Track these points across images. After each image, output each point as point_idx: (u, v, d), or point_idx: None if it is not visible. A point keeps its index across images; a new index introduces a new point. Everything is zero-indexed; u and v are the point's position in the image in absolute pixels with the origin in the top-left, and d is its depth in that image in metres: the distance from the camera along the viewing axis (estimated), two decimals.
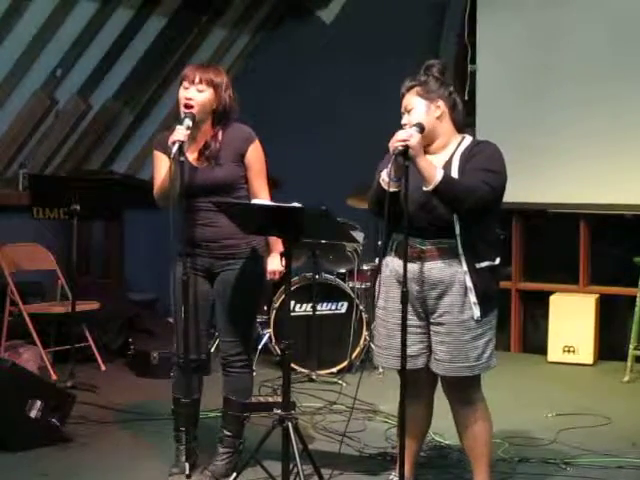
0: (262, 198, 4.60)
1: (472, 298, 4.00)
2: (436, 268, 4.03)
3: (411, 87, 4.13)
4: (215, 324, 4.76)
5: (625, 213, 7.52)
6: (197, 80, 4.48)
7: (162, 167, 4.57)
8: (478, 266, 4.00)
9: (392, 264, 4.16)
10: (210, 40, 8.85)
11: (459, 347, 4.03)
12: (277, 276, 4.75)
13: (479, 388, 4.20)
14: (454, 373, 4.08)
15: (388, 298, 4.17)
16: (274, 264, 4.72)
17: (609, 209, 7.52)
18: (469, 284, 3.99)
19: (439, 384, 4.28)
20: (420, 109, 4.09)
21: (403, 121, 4.12)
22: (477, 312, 4.01)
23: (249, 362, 4.74)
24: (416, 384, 4.19)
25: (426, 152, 4.03)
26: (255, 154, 4.63)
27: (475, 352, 4.05)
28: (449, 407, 4.28)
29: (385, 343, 4.20)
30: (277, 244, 4.70)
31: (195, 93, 4.48)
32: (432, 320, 4.09)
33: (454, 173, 4.00)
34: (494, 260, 4.07)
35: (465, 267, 3.98)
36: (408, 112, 4.11)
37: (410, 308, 4.08)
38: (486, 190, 3.93)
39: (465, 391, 4.15)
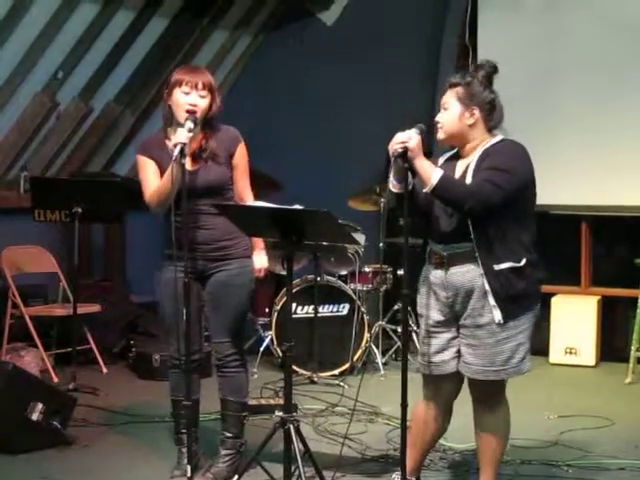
0: (247, 197, 4.70)
1: (491, 301, 3.98)
2: (457, 273, 4.03)
3: (454, 85, 4.08)
4: (207, 325, 4.77)
5: (626, 215, 7.52)
6: (200, 86, 4.48)
7: (150, 172, 4.57)
8: (497, 268, 3.96)
9: (428, 271, 4.19)
10: (211, 42, 8.86)
11: (483, 350, 4.03)
12: (263, 273, 4.80)
13: (503, 393, 4.19)
14: (480, 376, 4.07)
15: (420, 305, 4.21)
16: (261, 261, 4.76)
17: (610, 210, 7.52)
18: (487, 287, 3.97)
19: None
20: (454, 113, 4.05)
21: (436, 118, 4.11)
22: (498, 315, 3.97)
23: (244, 361, 4.75)
24: (441, 389, 4.21)
25: (462, 153, 4.08)
26: (242, 154, 4.68)
27: (501, 356, 4.03)
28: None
29: (421, 349, 4.23)
30: (259, 241, 4.77)
31: (198, 99, 4.48)
32: (460, 323, 4.09)
33: (469, 173, 4.00)
34: (518, 261, 4.00)
35: (482, 270, 3.97)
36: (444, 109, 4.08)
37: (440, 314, 4.12)
38: (490, 189, 3.90)
39: (489, 395, 4.15)
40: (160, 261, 4.66)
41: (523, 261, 4.02)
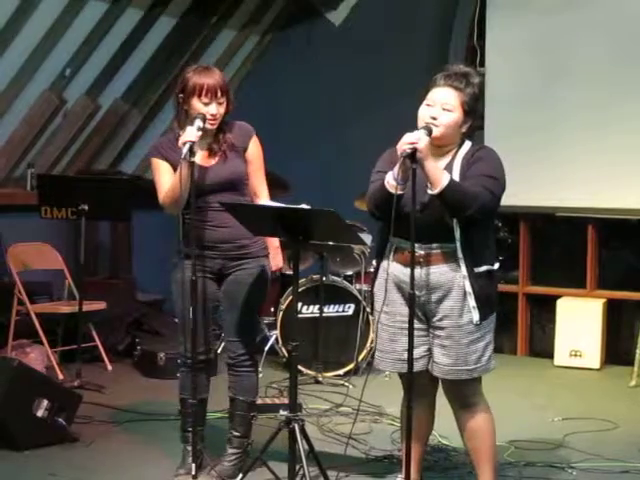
0: (262, 193, 4.68)
1: (471, 302, 4.01)
2: (436, 272, 4.04)
3: (458, 89, 4.04)
4: (221, 324, 4.77)
5: (633, 218, 7.51)
6: (219, 94, 4.46)
7: (164, 174, 4.56)
8: (477, 270, 4.01)
9: (390, 268, 4.15)
10: (219, 41, 8.87)
11: (458, 351, 4.04)
12: (279, 272, 4.85)
13: (480, 391, 4.19)
14: (453, 376, 4.09)
15: (389, 302, 4.17)
16: (276, 262, 4.77)
17: (617, 213, 7.51)
18: (468, 289, 4.00)
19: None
20: (455, 119, 4.03)
21: (432, 113, 4.03)
22: (476, 316, 4.02)
23: (255, 361, 4.75)
24: (418, 386, 4.18)
25: (435, 152, 4.05)
26: (255, 148, 4.67)
27: (474, 355, 4.06)
28: None
29: (388, 347, 4.20)
30: (274, 240, 4.76)
31: (217, 107, 4.47)
32: (432, 324, 4.10)
33: (455, 177, 4.01)
34: (493, 264, 4.09)
35: (464, 271, 4.00)
36: (444, 109, 4.03)
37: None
38: (488, 197, 3.96)
39: (465, 394, 4.15)
40: (173, 259, 4.65)
41: (497, 264, 4.12)
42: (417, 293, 4.04)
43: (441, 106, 4.04)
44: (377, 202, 4.14)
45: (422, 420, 4.30)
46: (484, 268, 4.03)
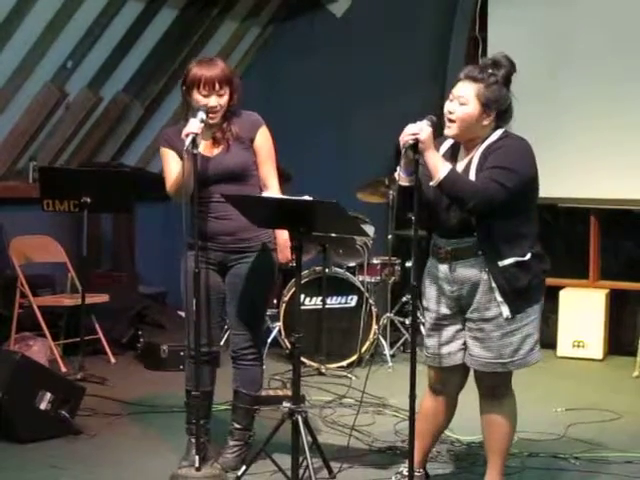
0: (271, 183, 4.64)
1: (498, 297, 3.98)
2: (463, 267, 4.03)
3: (475, 80, 3.97)
4: (226, 317, 4.76)
5: (635, 208, 7.51)
6: (217, 86, 4.46)
7: (171, 162, 4.57)
8: (501, 264, 3.96)
9: (430, 265, 4.20)
10: (220, 33, 8.85)
11: (491, 344, 4.03)
12: (288, 264, 4.82)
13: (509, 385, 4.20)
14: (487, 368, 4.08)
15: (426, 298, 4.21)
16: (286, 253, 4.74)
17: (619, 204, 7.51)
18: (492, 284, 3.98)
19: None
20: (472, 113, 3.97)
21: (450, 108, 3.99)
22: (506, 311, 3.99)
23: (260, 355, 4.75)
24: (447, 381, 4.22)
25: (465, 146, 4.07)
26: (264, 138, 4.63)
27: (508, 349, 4.03)
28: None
29: (427, 341, 4.23)
30: (282, 233, 4.72)
31: (217, 99, 4.47)
32: (467, 316, 4.10)
33: (472, 168, 3.99)
34: (523, 255, 4.00)
35: (486, 266, 3.98)
36: (460, 103, 3.98)
37: (446, 308, 4.13)
38: (495, 188, 3.88)
39: (496, 387, 4.15)
40: (182, 250, 4.64)
41: (528, 255, 4.02)
42: (449, 288, 4.08)
43: (458, 100, 4.00)
44: (399, 202, 4.13)
45: (441, 414, 4.32)
46: (510, 261, 3.97)
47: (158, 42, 8.30)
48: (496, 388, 4.16)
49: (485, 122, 4.01)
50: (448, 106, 4.02)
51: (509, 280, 3.97)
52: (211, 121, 4.47)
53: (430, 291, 4.19)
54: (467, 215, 3.96)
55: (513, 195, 3.91)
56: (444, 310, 4.13)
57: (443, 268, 4.09)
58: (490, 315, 4.01)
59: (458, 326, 4.13)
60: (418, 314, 6.81)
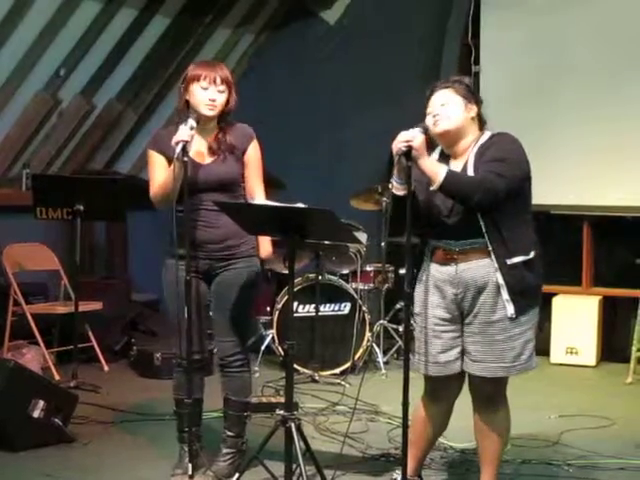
0: (258, 196, 4.64)
1: (505, 295, 3.98)
2: (469, 269, 4.03)
3: (447, 86, 4.10)
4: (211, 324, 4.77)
5: (628, 215, 7.52)
6: (218, 81, 4.47)
7: (158, 168, 4.56)
8: (510, 262, 3.97)
9: (429, 269, 4.17)
10: (213, 40, 8.86)
11: (494, 347, 4.03)
12: (269, 259, 4.87)
13: (505, 394, 4.20)
14: (489, 374, 4.07)
15: (425, 304, 4.18)
16: (266, 246, 4.76)
17: (612, 211, 7.53)
18: (500, 281, 3.98)
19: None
20: (457, 105, 4.06)
21: (433, 113, 4.06)
22: (511, 309, 3.99)
23: (247, 361, 4.74)
24: (444, 389, 4.21)
25: (454, 153, 4.10)
26: (254, 152, 4.65)
27: (511, 353, 4.04)
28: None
29: (422, 350, 4.20)
30: (266, 242, 4.76)
31: (216, 94, 4.47)
32: (465, 321, 4.09)
33: (470, 170, 4.01)
34: (528, 254, 4.03)
35: (496, 264, 3.98)
36: (440, 105, 4.05)
37: (446, 312, 4.11)
38: (493, 179, 3.91)
39: (492, 393, 4.15)
40: (164, 258, 4.65)
41: (532, 253, 4.05)
42: (453, 290, 4.07)
43: (437, 106, 4.07)
44: (394, 211, 4.14)
45: (437, 422, 4.31)
46: (518, 259, 3.99)
47: (151, 49, 8.31)
48: (492, 397, 4.15)
49: (472, 114, 4.09)
50: (429, 116, 4.08)
51: (517, 278, 3.98)
52: (210, 113, 4.47)
53: (425, 295, 4.17)
54: (475, 213, 3.96)
55: (512, 185, 3.96)
56: (442, 314, 4.11)
57: (447, 270, 4.08)
58: (495, 318, 4.01)
59: (455, 333, 4.12)
60: (413, 321, 6.86)
